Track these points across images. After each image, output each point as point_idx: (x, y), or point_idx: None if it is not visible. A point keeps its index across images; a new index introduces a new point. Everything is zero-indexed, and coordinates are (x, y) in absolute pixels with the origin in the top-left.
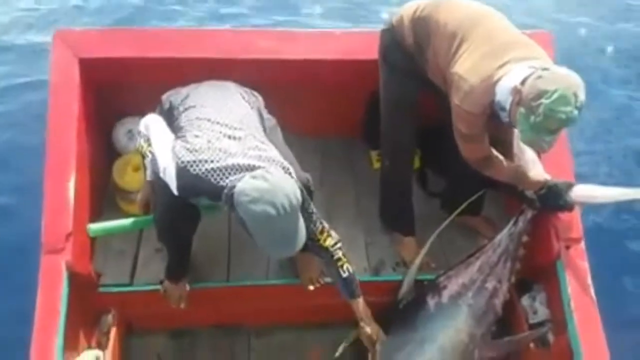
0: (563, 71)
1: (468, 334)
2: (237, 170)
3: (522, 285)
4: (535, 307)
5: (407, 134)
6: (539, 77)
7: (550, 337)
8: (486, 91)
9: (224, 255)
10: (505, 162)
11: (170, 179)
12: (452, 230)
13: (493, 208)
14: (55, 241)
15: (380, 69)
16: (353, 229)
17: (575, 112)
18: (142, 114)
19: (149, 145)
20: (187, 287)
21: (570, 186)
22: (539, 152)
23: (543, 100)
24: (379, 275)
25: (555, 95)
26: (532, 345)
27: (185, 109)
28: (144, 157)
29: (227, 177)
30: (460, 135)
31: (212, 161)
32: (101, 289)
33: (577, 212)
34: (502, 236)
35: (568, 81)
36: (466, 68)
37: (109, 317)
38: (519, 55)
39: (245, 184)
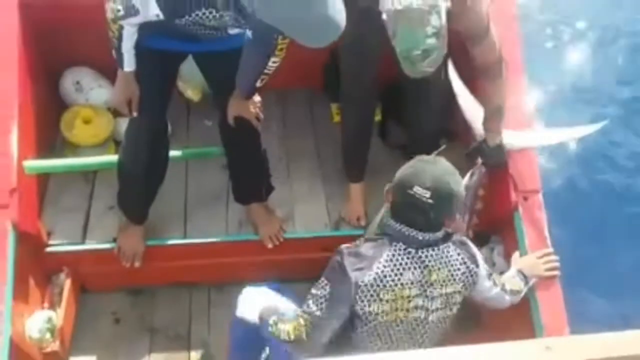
0: (405, 2)
1: None
2: None
3: (480, 238)
4: (493, 259)
5: (365, 83)
6: (386, 15)
7: None
8: None
9: (181, 212)
10: None
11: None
12: None
13: (452, 160)
14: None
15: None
16: (313, 183)
17: (431, 41)
18: (93, 63)
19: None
20: (143, 245)
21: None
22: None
23: (394, 43)
24: (339, 230)
25: (399, 38)
26: None
27: None
28: (121, 19)
29: None
30: None
31: None
32: (51, 249)
33: (534, 163)
34: None
35: (407, 15)
36: None
37: (61, 277)
38: None
39: None
